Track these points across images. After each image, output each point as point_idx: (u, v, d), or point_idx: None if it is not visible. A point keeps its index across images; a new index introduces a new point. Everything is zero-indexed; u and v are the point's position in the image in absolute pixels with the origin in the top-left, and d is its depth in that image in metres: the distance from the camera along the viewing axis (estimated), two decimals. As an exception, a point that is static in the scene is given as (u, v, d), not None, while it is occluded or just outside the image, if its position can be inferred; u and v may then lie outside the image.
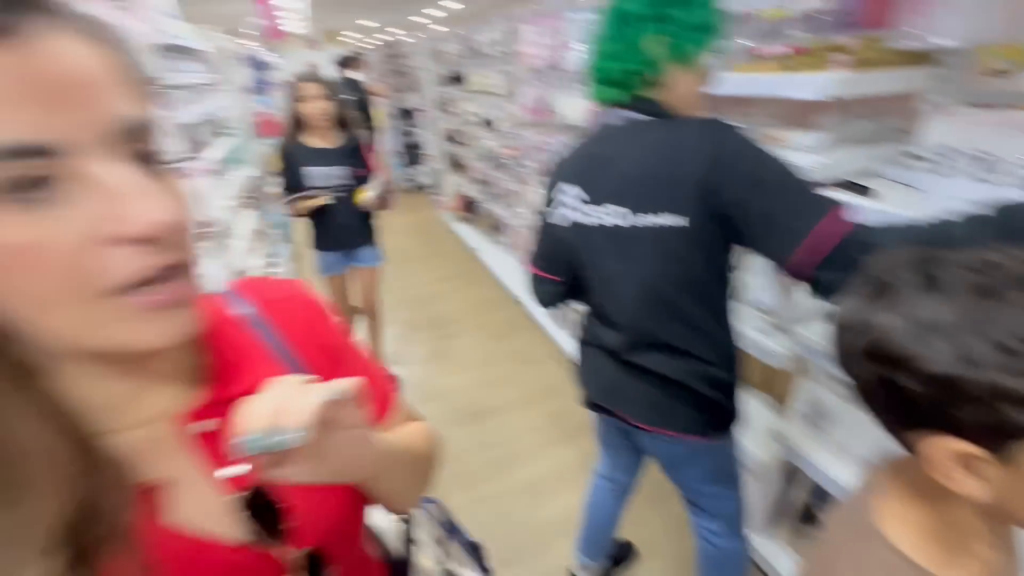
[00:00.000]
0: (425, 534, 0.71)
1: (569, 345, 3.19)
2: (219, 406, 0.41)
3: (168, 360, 0.41)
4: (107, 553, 0.33)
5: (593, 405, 1.26)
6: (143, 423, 0.39)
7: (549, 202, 1.15)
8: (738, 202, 0.87)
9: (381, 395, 0.57)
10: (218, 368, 0.44)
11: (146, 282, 0.32)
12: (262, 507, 0.42)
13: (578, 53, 2.38)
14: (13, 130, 0.28)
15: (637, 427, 1.16)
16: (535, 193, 3.22)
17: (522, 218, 3.59)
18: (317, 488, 0.42)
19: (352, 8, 8.82)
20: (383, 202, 2.38)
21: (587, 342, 1.22)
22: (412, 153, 7.96)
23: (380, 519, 0.68)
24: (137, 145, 0.33)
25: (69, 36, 0.31)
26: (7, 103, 0.28)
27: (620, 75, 0.96)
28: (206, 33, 3.05)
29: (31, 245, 0.29)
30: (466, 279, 4.40)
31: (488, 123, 4.09)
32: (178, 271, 0.34)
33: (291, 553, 0.43)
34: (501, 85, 3.65)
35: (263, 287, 0.52)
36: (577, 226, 1.06)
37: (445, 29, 5.65)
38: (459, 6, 8.92)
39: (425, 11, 9.70)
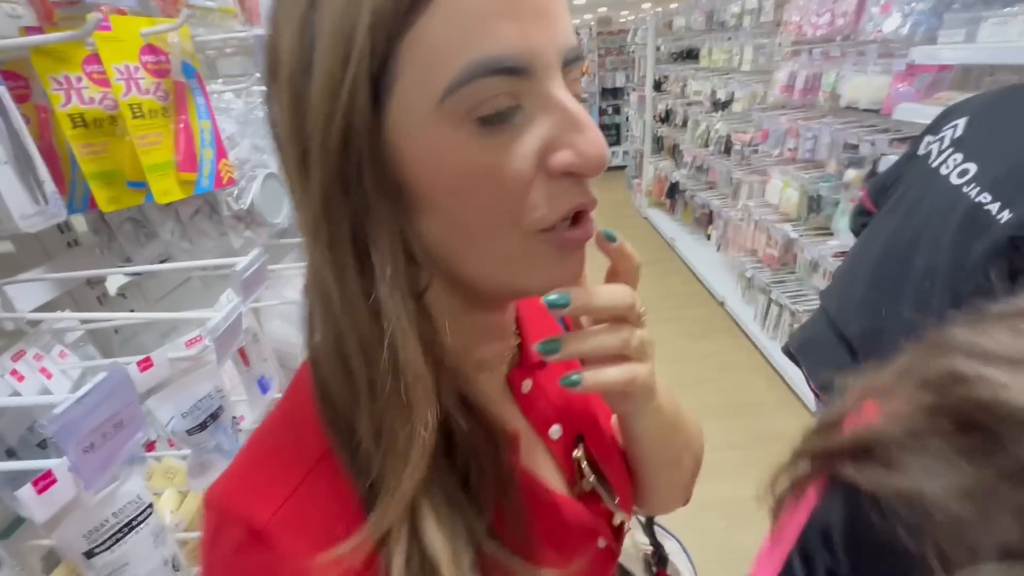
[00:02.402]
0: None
1: (777, 357, 2.81)
2: (529, 368, 0.42)
3: (506, 315, 0.40)
4: (490, 490, 0.33)
5: None
6: (482, 369, 0.39)
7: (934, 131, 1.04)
8: None
9: None
10: (525, 327, 0.43)
11: (567, 219, 0.31)
12: (594, 468, 0.43)
13: (884, 19, 1.96)
14: (507, 40, 0.26)
15: None
16: (775, 185, 2.84)
17: (744, 211, 3.22)
18: (615, 458, 0.45)
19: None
20: None
21: None
22: (608, 133, 7.85)
23: None
24: (574, 69, 0.31)
25: None
26: (504, 15, 0.26)
27: None
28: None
29: (493, 167, 0.28)
30: (658, 268, 4.18)
31: (720, 104, 3.72)
32: (587, 212, 0.32)
33: (617, 514, 0.43)
34: (750, 61, 3.26)
35: None
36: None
37: (658, 8, 5.30)
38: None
39: (646, -14, 9.29)
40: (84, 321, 0.66)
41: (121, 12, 0.61)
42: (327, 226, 0.28)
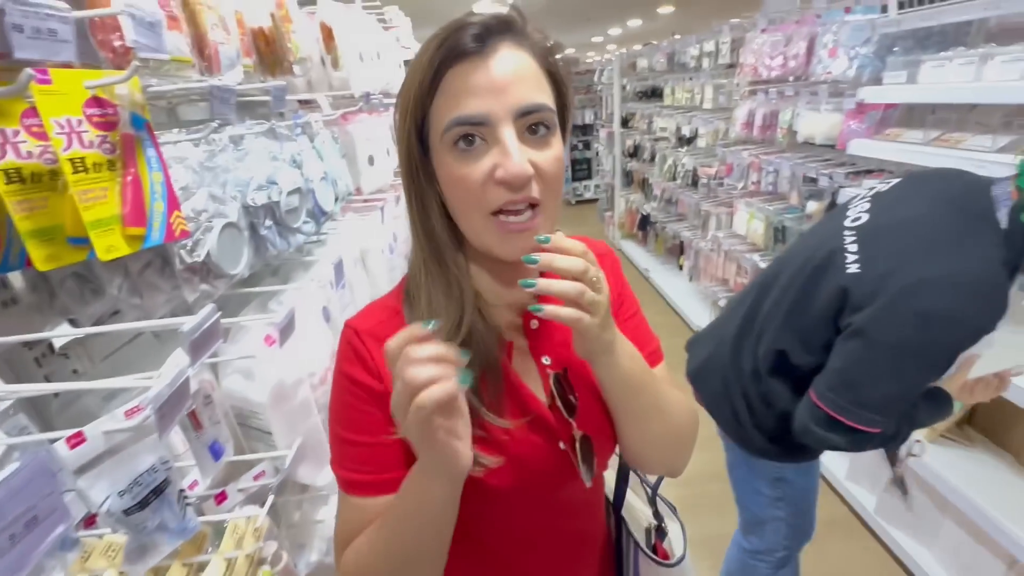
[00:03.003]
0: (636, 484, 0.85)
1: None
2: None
3: (517, 271, 0.56)
4: (481, 366, 0.53)
5: None
6: (502, 307, 0.60)
7: None
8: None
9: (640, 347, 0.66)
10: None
11: (507, 211, 0.50)
12: (563, 389, 0.58)
13: (831, 61, 2.08)
14: (470, 107, 0.48)
15: None
16: (741, 216, 2.92)
17: (713, 242, 3.30)
18: (596, 398, 0.61)
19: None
20: None
21: None
22: (579, 168, 8.05)
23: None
24: (529, 119, 0.50)
25: (512, 46, 0.50)
26: (472, 94, 0.48)
27: None
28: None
29: (462, 176, 0.50)
30: (634, 300, 4.22)
31: (685, 140, 3.87)
32: (532, 208, 0.51)
33: (575, 428, 0.58)
34: (711, 99, 3.42)
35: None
36: None
37: (622, 50, 5.55)
38: (644, 24, 8.78)
39: (611, 31, 9.75)
40: (12, 392, 0.60)
41: (67, 65, 0.58)
42: (408, 197, 0.56)
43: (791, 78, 2.45)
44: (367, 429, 0.56)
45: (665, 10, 8.01)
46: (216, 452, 0.68)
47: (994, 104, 1.52)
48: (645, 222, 4.95)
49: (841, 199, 2.06)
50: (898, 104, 1.92)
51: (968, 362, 0.98)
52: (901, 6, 1.71)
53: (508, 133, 0.48)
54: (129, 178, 0.60)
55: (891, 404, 0.91)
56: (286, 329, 0.83)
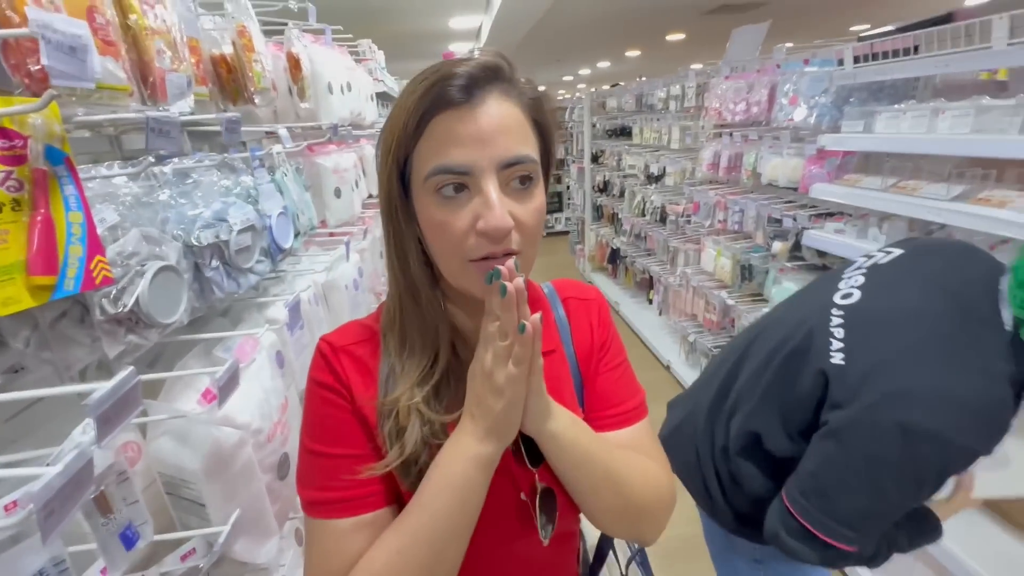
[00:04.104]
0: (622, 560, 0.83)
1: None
2: None
3: None
4: (452, 402, 0.56)
5: None
6: (473, 336, 0.58)
7: None
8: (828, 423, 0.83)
9: (611, 401, 0.64)
10: None
11: (486, 258, 0.50)
12: (528, 441, 0.57)
13: (792, 109, 2.17)
14: (454, 157, 0.48)
15: None
16: (709, 254, 2.97)
17: (682, 278, 3.34)
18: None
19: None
20: None
21: None
22: (550, 201, 8.18)
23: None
24: (513, 171, 0.50)
25: (499, 96, 0.50)
26: (457, 144, 0.48)
27: None
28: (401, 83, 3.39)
29: (444, 222, 0.50)
30: (605, 333, 4.20)
31: (653, 177, 3.95)
32: (509, 255, 0.50)
33: (535, 480, 0.57)
34: (678, 140, 3.52)
35: (569, 285, 0.72)
36: None
37: (592, 89, 5.74)
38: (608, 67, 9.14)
39: (581, 71, 10.10)
40: None
41: (-31, 89, 0.50)
42: (387, 236, 0.56)
43: (754, 123, 2.54)
44: (341, 439, 0.55)
45: (632, 53, 8.38)
46: (129, 540, 0.57)
47: (946, 155, 1.59)
48: (615, 256, 5.00)
49: (805, 240, 2.10)
50: (856, 151, 2.00)
51: (966, 484, 0.89)
52: (856, 60, 1.80)
53: (491, 185, 0.48)
54: (38, 219, 0.52)
55: (868, 522, 0.81)
56: (228, 385, 0.73)
